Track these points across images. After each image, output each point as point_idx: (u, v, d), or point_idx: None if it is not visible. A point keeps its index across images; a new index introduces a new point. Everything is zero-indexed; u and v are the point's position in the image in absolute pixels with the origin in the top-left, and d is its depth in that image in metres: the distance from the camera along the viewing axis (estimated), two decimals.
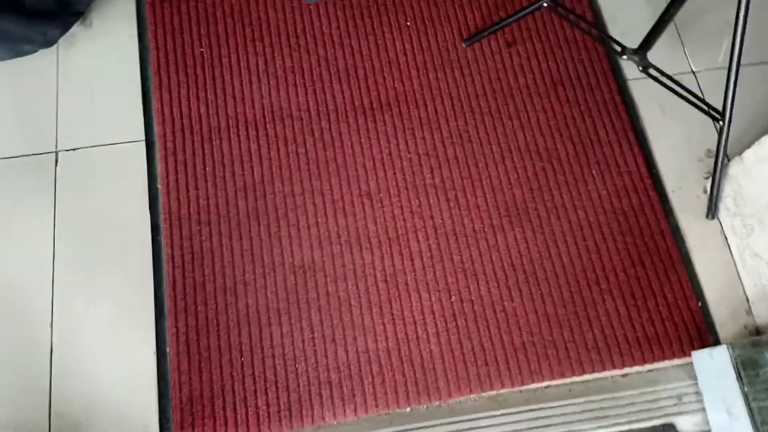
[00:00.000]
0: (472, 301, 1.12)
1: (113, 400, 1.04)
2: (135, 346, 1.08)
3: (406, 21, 1.35)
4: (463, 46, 1.32)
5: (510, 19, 1.26)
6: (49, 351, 1.07)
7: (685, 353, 1.10)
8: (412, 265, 1.15)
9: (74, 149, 1.21)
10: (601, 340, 1.10)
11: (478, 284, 1.13)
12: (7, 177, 1.18)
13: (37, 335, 1.08)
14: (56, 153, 1.21)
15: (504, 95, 1.28)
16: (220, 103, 1.26)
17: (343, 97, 1.27)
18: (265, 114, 1.25)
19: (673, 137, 1.27)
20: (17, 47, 1.19)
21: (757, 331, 1.12)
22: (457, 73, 1.30)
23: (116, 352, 1.07)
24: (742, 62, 1.02)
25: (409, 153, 1.23)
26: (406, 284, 1.13)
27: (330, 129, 1.25)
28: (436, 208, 1.19)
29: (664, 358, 1.10)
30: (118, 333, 1.08)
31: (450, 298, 1.12)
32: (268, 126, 1.24)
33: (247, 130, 1.24)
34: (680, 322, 1.12)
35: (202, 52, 1.30)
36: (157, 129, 1.23)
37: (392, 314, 1.11)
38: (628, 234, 1.18)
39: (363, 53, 1.32)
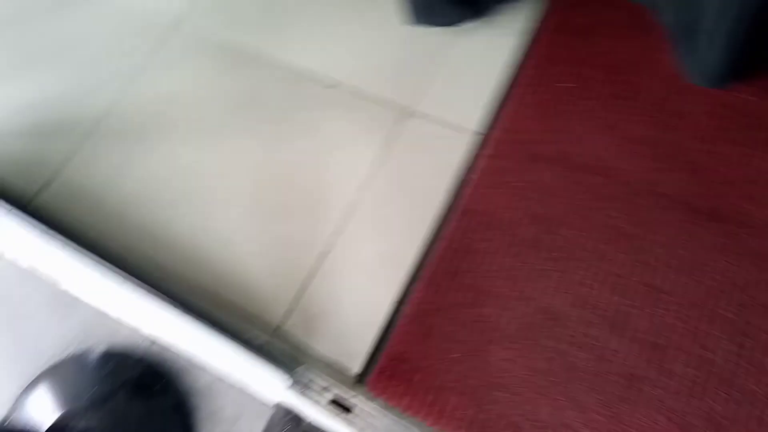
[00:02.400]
0: None
1: (344, 319, 1.17)
2: (384, 289, 1.19)
3: None
4: None
5: None
6: (324, 252, 1.25)
7: None
8: (661, 381, 1.05)
9: (425, 116, 1.38)
10: None
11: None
12: (364, 108, 1.40)
13: (320, 236, 1.26)
14: (410, 113, 1.39)
15: None
16: (558, 136, 1.30)
17: (678, 189, 1.21)
18: (594, 164, 1.26)
19: None
20: (431, 19, 1.42)
21: None
22: None
23: (368, 284, 1.20)
24: None
25: (721, 276, 1.12)
26: (647, 396, 1.04)
27: (648, 209, 1.20)
28: (718, 343, 1.06)
29: None
30: (378, 271, 1.21)
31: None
32: (590, 175, 1.25)
33: (569, 169, 1.26)
34: None
35: (567, 87, 1.35)
36: (494, 131, 1.33)
37: (617, 415, 1.03)
38: None
39: (722, 158, 1.23)
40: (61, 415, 0.85)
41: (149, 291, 1.05)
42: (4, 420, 0.93)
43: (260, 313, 1.20)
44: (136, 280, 1.09)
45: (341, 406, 1.01)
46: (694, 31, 1.21)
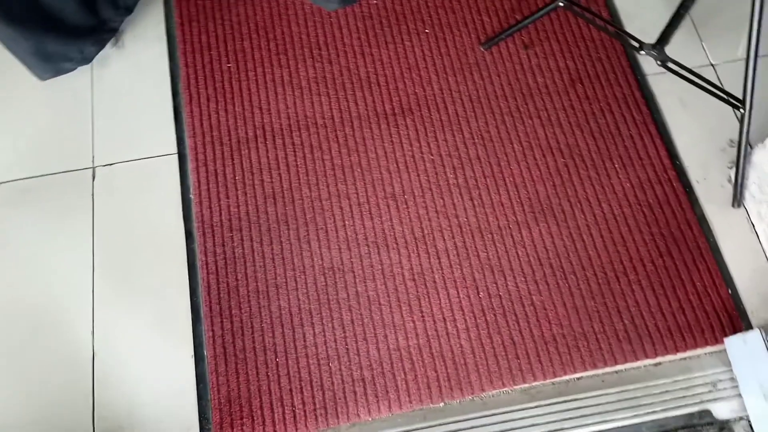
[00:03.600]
0: (500, 296, 1.14)
1: (154, 403, 1.08)
2: (173, 351, 1.11)
3: (425, 28, 1.39)
4: (481, 49, 1.35)
5: (526, 21, 1.29)
6: (91, 357, 1.11)
7: (717, 340, 1.10)
8: (439, 263, 1.17)
9: (110, 164, 1.26)
10: (632, 330, 1.11)
11: (505, 280, 1.15)
12: (46, 193, 1.24)
13: (79, 343, 1.12)
14: (93, 168, 1.26)
15: (523, 95, 1.31)
16: (248, 114, 1.30)
17: (366, 104, 1.31)
18: (291, 123, 1.29)
19: (695, 129, 1.28)
20: (57, 66, 1.25)
21: None
22: (476, 75, 1.33)
23: (155, 356, 1.11)
24: (760, 53, 1.03)
25: (432, 155, 1.26)
26: (434, 282, 1.15)
27: (354, 135, 1.28)
28: (460, 206, 1.21)
29: (696, 345, 1.09)
30: (156, 338, 1.12)
31: (478, 294, 1.14)
32: (294, 134, 1.28)
33: (274, 139, 1.28)
34: (711, 309, 1.12)
35: (229, 68, 1.35)
36: (188, 142, 1.27)
37: (422, 311, 1.13)
38: (654, 225, 1.18)
39: (383, 61, 1.36)
40: None
41: None
42: None
43: None
44: None
45: None
46: None
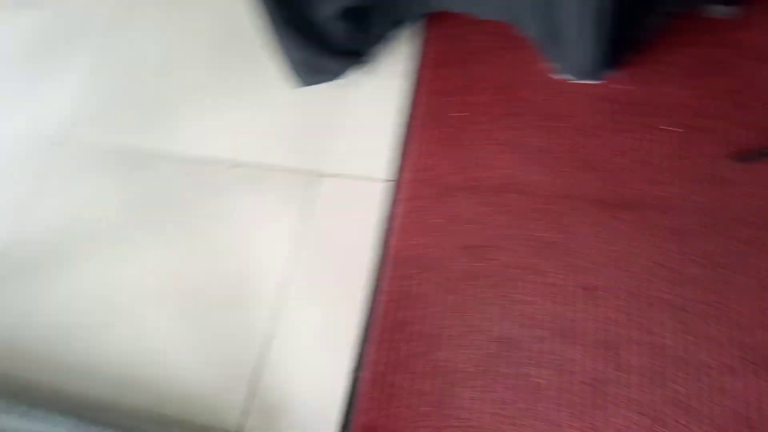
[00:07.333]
0: None
1: (305, 402, 1.12)
2: (336, 361, 1.14)
3: (669, 125, 1.29)
4: (731, 163, 1.23)
5: None
6: (267, 340, 1.18)
7: None
8: (624, 378, 1.06)
9: (329, 175, 1.35)
10: None
11: (696, 424, 1.01)
12: (272, 181, 1.36)
13: (257, 322, 1.20)
14: (313, 174, 1.36)
15: None
16: (464, 164, 1.31)
17: (586, 186, 1.25)
18: (504, 183, 1.28)
19: None
20: (318, 77, 1.40)
21: None
22: (719, 189, 1.20)
23: (319, 360, 1.15)
24: None
25: (645, 259, 1.16)
26: (614, 396, 1.05)
27: (566, 214, 1.23)
28: (663, 325, 1.09)
29: None
30: (326, 344, 1.16)
31: (659, 428, 1.01)
32: (504, 195, 1.26)
33: (484, 194, 1.27)
34: None
35: (459, 117, 1.37)
36: (404, 174, 1.32)
37: (592, 423, 1.03)
38: None
39: (616, 148, 1.29)
40: None
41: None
42: None
43: (213, 424, 1.11)
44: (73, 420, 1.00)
45: None
46: (558, 36, 1.27)
